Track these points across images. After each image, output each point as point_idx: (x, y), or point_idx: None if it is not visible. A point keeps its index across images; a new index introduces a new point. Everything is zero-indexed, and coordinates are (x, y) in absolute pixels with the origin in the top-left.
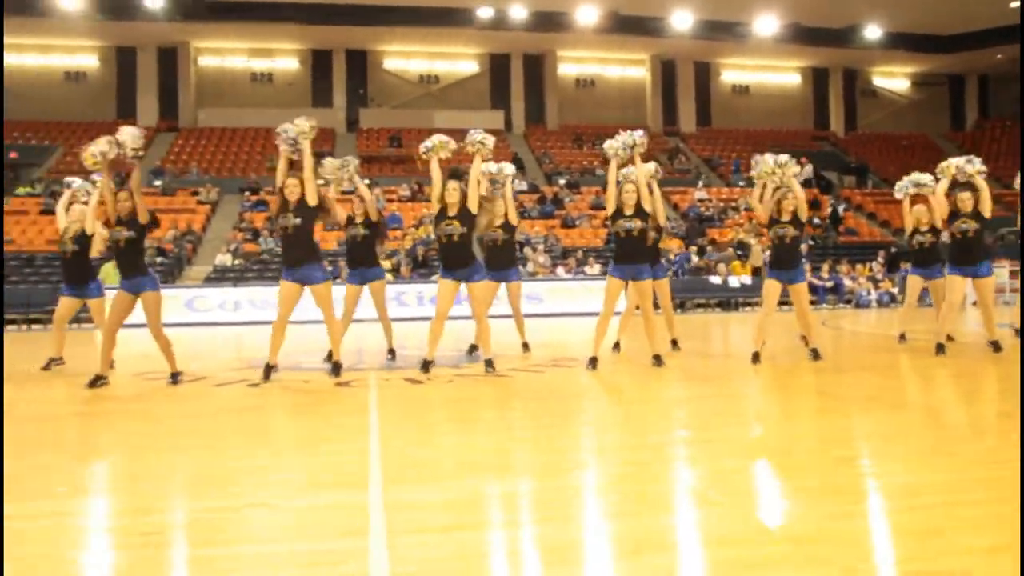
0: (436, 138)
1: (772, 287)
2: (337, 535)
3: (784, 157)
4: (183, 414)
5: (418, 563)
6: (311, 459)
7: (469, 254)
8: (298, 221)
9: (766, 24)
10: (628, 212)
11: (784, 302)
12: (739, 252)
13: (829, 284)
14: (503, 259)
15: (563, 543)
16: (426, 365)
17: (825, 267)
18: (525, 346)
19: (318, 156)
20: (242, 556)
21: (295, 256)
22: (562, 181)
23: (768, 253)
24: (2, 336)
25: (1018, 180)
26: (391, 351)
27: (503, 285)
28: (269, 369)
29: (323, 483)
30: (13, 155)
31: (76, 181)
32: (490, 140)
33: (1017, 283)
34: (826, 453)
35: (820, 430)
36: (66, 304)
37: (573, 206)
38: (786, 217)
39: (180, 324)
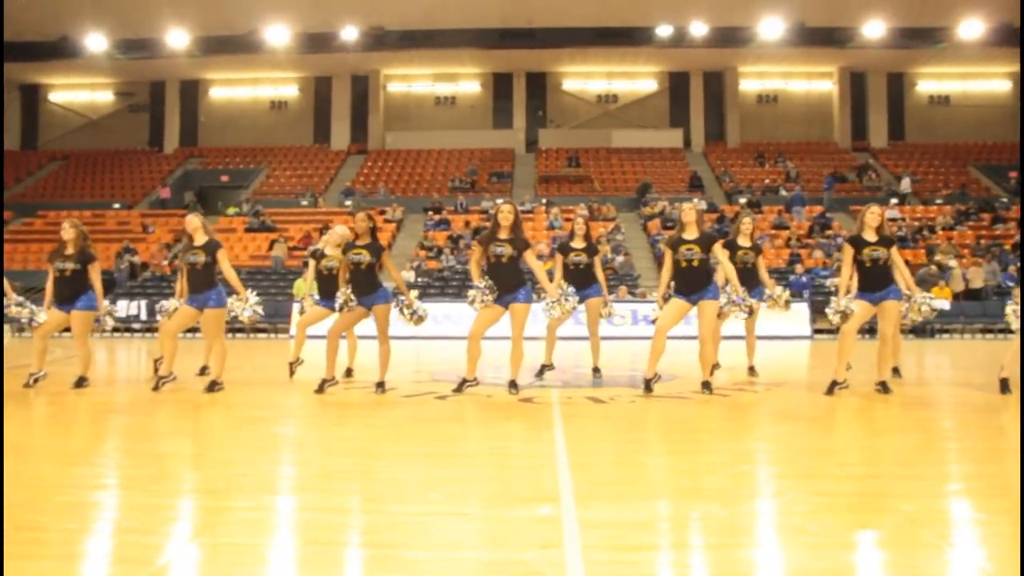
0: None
1: None
2: (534, 547)
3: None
4: (379, 423)
5: None
6: (502, 472)
7: (710, 275)
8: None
9: (971, 28)
10: (871, 239)
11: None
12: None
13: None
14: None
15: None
16: (648, 384)
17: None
18: (751, 370)
19: (499, 176)
20: (445, 560)
21: (516, 282)
22: (743, 200)
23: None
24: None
25: None
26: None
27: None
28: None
29: (516, 496)
30: (224, 178)
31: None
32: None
33: None
34: None
35: None
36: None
37: (755, 226)
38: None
39: (366, 337)
